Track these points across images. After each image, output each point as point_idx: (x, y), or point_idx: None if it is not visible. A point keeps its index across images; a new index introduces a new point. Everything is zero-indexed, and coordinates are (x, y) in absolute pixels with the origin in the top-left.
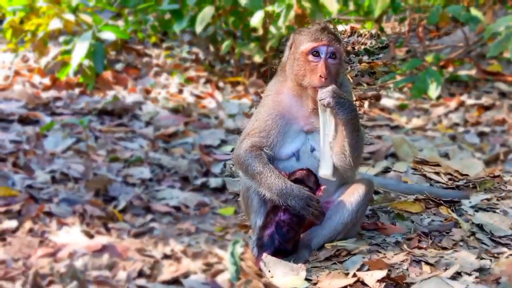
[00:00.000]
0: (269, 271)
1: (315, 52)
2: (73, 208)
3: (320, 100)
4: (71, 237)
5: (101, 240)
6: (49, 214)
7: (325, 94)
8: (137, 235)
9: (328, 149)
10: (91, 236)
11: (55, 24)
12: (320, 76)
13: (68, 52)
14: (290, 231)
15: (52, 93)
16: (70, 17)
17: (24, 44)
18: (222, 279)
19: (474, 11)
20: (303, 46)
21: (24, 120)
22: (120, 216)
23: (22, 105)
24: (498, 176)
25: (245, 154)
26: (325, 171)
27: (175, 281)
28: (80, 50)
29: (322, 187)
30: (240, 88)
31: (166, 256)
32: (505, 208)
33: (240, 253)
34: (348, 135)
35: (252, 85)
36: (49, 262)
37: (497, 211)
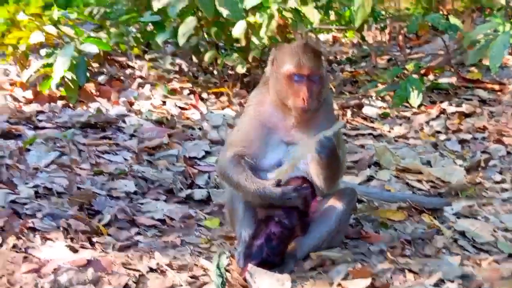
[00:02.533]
0: (254, 282)
1: (296, 77)
2: (57, 223)
3: (316, 151)
4: (55, 252)
5: (86, 254)
6: (33, 230)
7: (320, 148)
8: (122, 249)
9: (290, 166)
10: (75, 251)
11: (37, 37)
12: (303, 99)
13: (50, 65)
14: (280, 245)
15: (34, 106)
16: (51, 30)
17: (5, 57)
18: None
19: (453, 19)
20: (285, 68)
21: (6, 135)
22: (105, 230)
23: (4, 119)
24: (479, 183)
25: (227, 164)
26: (273, 175)
27: None
28: (62, 63)
29: (318, 198)
30: (224, 98)
31: (151, 270)
32: (487, 214)
33: (226, 264)
34: (324, 168)
35: (236, 95)
36: (33, 278)
37: (479, 217)
